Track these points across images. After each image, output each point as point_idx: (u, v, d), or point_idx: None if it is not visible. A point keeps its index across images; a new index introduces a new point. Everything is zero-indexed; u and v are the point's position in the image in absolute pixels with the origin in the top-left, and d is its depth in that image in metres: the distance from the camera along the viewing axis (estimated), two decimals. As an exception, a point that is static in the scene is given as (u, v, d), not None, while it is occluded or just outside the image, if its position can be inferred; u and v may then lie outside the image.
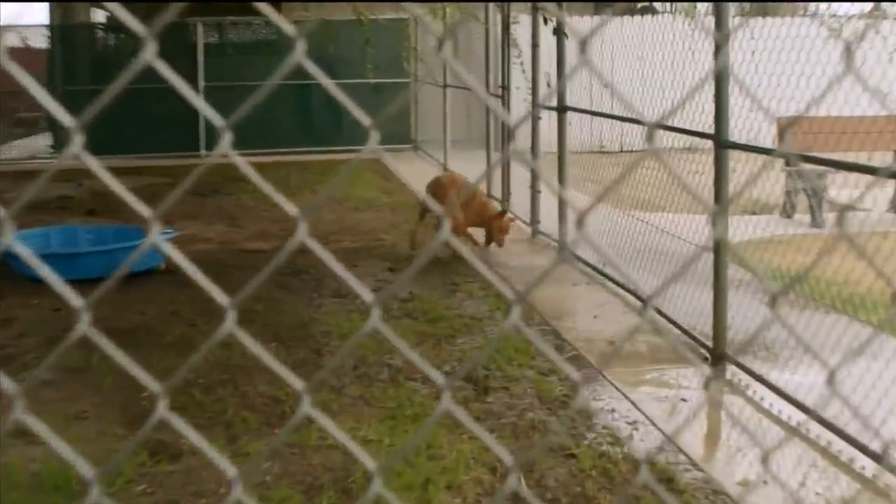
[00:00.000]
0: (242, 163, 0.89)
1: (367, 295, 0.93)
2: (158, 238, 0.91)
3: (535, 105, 9.24)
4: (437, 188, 8.28)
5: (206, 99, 16.53)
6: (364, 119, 0.94)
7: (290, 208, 0.90)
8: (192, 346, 5.81)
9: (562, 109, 8.49)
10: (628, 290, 6.88)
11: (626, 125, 9.86)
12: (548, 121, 8.99)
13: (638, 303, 6.72)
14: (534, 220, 9.28)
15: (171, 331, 6.20)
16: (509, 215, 8.59)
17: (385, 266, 8.07)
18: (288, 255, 0.98)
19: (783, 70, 5.39)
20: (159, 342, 5.96)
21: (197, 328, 6.22)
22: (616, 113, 7.53)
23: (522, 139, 10.15)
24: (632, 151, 14.53)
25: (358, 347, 5.66)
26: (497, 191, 10.78)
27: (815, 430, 4.40)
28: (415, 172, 13.98)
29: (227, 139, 0.84)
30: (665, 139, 6.52)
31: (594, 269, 7.54)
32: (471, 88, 12.53)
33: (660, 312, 6.13)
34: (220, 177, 11.74)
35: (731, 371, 5.26)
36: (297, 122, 17.05)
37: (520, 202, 10.02)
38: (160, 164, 14.84)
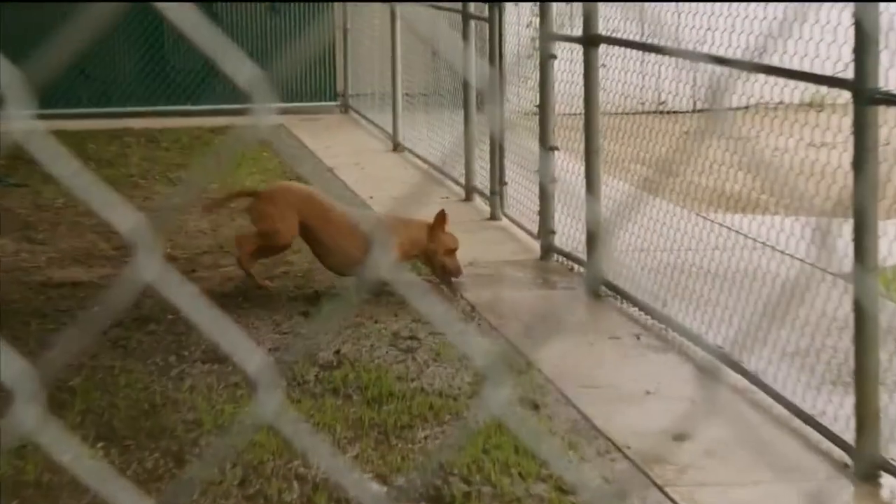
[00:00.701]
0: (36, 134, 0.89)
1: (251, 361, 0.93)
2: None
3: (545, 34, 9.28)
4: (265, 201, 8.33)
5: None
6: (242, 68, 0.94)
7: (123, 219, 0.89)
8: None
9: (591, 41, 8.52)
10: (708, 349, 6.89)
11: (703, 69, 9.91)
12: (568, 61, 9.01)
13: (724, 369, 6.74)
14: (545, 230, 9.27)
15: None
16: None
17: (296, 308, 8.04)
18: (127, 296, 0.99)
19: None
20: None
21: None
22: (683, 48, 7.56)
23: (525, 93, 10.17)
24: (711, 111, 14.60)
25: (249, 448, 5.63)
26: (483, 180, 10.79)
27: None
28: (342, 147, 13.93)
29: (13, 96, 0.84)
30: (765, 90, 6.62)
31: (647, 311, 7.54)
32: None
33: (760, 384, 6.14)
34: (5, 157, 11.65)
35: (889, 486, 5.31)
36: (145, 66, 16.99)
37: (523, 198, 10.02)
38: None
